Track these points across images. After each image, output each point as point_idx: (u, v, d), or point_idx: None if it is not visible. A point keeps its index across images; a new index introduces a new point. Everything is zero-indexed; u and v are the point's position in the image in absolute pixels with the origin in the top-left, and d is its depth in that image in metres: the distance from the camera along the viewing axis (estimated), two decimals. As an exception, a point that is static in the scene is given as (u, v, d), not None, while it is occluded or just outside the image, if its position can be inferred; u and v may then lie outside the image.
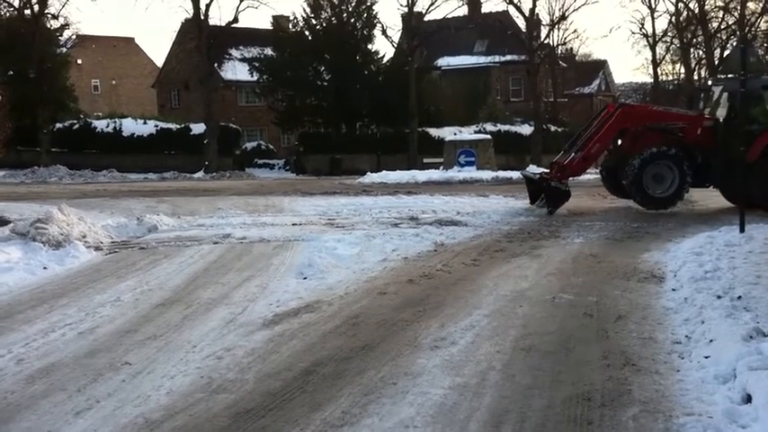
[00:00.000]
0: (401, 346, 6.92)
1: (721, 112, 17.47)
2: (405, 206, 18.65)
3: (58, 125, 40.65)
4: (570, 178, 17.67)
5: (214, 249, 12.28)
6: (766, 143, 16.20)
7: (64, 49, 43.80)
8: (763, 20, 52.77)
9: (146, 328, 7.71)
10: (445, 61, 52.09)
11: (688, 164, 16.93)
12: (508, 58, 51.42)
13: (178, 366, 6.49)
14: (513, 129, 44.38)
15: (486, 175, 29.13)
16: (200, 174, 36.52)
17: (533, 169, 23.00)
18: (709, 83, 20.28)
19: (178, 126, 41.19)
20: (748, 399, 5.30)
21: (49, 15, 40.54)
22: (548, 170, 18.13)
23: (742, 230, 12.29)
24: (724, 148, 16.81)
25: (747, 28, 50.80)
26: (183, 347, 7.03)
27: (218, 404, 5.66)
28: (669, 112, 20.42)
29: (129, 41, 69.59)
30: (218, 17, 61.79)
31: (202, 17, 37.93)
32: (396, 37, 45.49)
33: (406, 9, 41.26)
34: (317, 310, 8.29)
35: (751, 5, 51.72)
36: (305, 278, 9.94)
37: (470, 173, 29.73)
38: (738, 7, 50.89)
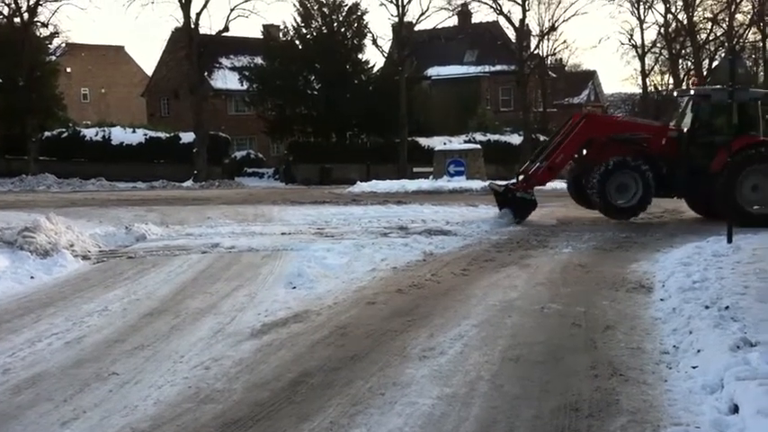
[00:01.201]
0: (390, 357, 6.91)
1: (686, 123, 17.60)
2: (394, 216, 18.65)
3: (47, 133, 40.44)
4: (536, 187, 17.77)
5: (203, 259, 12.25)
6: (729, 154, 16.32)
7: (53, 58, 43.59)
8: (750, 31, 53.26)
9: (133, 338, 7.68)
10: (435, 71, 52.19)
11: (652, 174, 17.01)
12: (498, 68, 51.57)
13: (166, 376, 6.46)
14: (503, 138, 44.45)
15: (476, 184, 29.13)
16: (189, 183, 36.41)
17: (500, 181, 23.22)
18: (675, 94, 20.47)
19: (167, 135, 41.06)
20: (735, 409, 5.31)
21: (39, 23, 40.41)
22: (514, 181, 18.23)
23: (729, 241, 12.35)
24: (688, 159, 16.94)
25: (735, 39, 51.16)
26: (170, 357, 7.00)
27: (206, 414, 5.63)
28: (633, 122, 20.59)
29: (119, 50, 69.43)
30: (208, 26, 61.74)
31: (193, 26, 37.88)
32: (386, 47, 45.62)
33: (396, 19, 41.36)
34: (305, 320, 8.27)
35: (739, 17, 52.19)
36: (294, 288, 9.92)
37: (460, 182, 29.73)
38: (727, 19, 51.30)
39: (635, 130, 18.38)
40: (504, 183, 19.27)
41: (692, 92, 18.55)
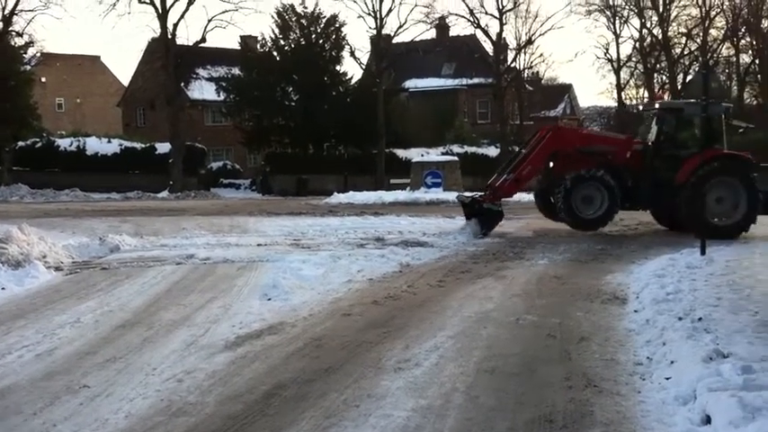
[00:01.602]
0: (365, 368, 6.88)
1: (651, 136, 17.80)
2: (371, 227, 18.63)
3: (21, 143, 40.05)
4: (513, 199, 17.92)
5: (177, 270, 12.14)
6: (694, 167, 16.54)
7: (28, 67, 43.18)
8: (724, 46, 54.09)
9: (105, 350, 7.58)
10: (413, 83, 52.41)
11: (617, 186, 17.18)
12: (475, 81, 51.83)
13: (137, 389, 6.38)
14: (480, 151, 44.68)
15: (453, 196, 29.13)
16: (164, 193, 36.19)
17: (468, 193, 23.39)
18: (641, 108, 20.84)
19: (143, 145, 40.81)
20: (708, 420, 5.34)
21: (14, 33, 40.11)
22: (482, 193, 18.35)
23: (703, 253, 12.46)
24: (652, 171, 17.13)
25: (709, 54, 51.90)
26: (143, 370, 6.92)
27: (178, 427, 5.57)
28: (599, 135, 20.86)
29: (95, 60, 68.98)
30: (185, 36, 61.33)
31: (170, 36, 37.78)
32: (364, 59, 45.75)
33: (374, 31, 41.54)
34: (280, 332, 8.22)
35: (713, 32, 53.01)
36: (269, 299, 9.86)
37: (437, 194, 29.79)
38: (701, 34, 52.07)
39: (601, 142, 18.64)
40: (471, 195, 19.46)
41: (656, 105, 18.83)
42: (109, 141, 40.95)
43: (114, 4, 37.11)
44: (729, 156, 16.84)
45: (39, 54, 43.70)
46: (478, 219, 17.18)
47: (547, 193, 18.30)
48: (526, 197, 22.26)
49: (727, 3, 52.36)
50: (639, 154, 17.56)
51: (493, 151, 44.81)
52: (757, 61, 55.55)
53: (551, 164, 17.98)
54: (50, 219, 20.66)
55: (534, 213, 19.93)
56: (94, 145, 40.25)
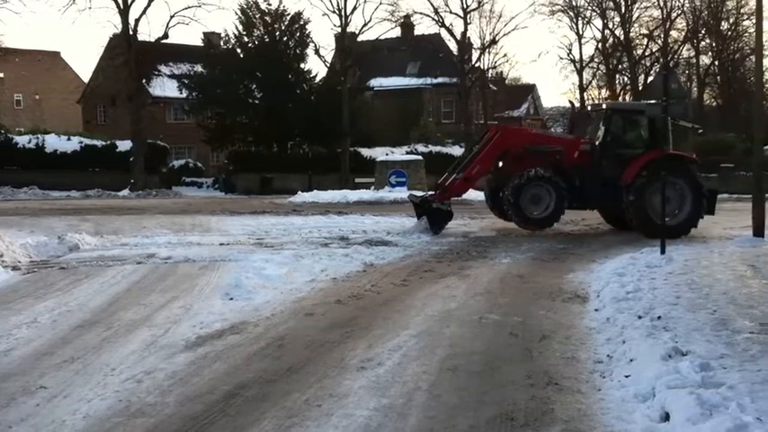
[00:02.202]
0: (327, 368, 6.85)
1: (598, 136, 18.05)
2: (335, 226, 18.60)
3: (-23, 140, 39.26)
4: (452, 198, 18.00)
5: (137, 269, 11.99)
6: (640, 167, 16.78)
7: (-15, 62, 42.47)
8: (684, 48, 54.91)
9: (63, 351, 7.45)
10: (378, 82, 52.37)
11: (565, 186, 17.36)
12: (440, 80, 52.02)
13: (96, 390, 6.29)
14: (445, 150, 44.75)
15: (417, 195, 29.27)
16: (125, 192, 35.70)
17: (418, 192, 23.54)
18: (589, 108, 21.12)
19: (104, 143, 40.18)
20: (667, 417, 5.41)
21: (-30, 27, 39.33)
22: (433, 192, 18.47)
23: (663, 252, 12.65)
24: (600, 171, 17.35)
25: (670, 55, 52.67)
26: (101, 370, 6.81)
27: (137, 428, 5.49)
28: (548, 135, 21.10)
29: (55, 56, 67.87)
30: (147, 33, 60.90)
31: (131, 32, 37.23)
32: (329, 57, 45.60)
33: (339, 29, 41.37)
34: (242, 332, 8.15)
35: (674, 34, 53.79)
36: (231, 299, 9.78)
37: (401, 193, 29.79)
38: (662, 35, 52.78)
39: (548, 142, 18.87)
40: (421, 194, 19.54)
41: (603, 106, 19.08)
42: (69, 139, 40.24)
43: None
44: (675, 156, 17.06)
45: (-3, 49, 42.91)
46: (428, 218, 17.27)
47: (497, 193, 18.43)
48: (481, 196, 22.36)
49: (687, 5, 53.24)
50: (587, 154, 17.74)
51: (457, 151, 44.84)
52: (717, 63, 56.54)
53: (500, 164, 18.13)
54: (8, 217, 20.28)
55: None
56: (54, 142, 39.53)
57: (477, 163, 17.93)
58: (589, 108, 20.60)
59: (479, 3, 45.83)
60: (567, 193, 17.33)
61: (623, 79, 55.17)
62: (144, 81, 42.98)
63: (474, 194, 24.05)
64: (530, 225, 17.50)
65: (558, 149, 18.06)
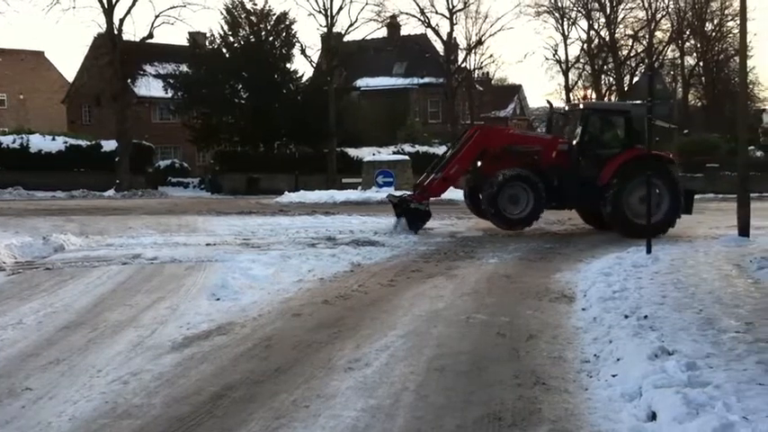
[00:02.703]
0: (315, 369, 6.83)
1: (575, 136, 18.13)
2: (322, 226, 18.58)
3: (-39, 140, 38.94)
4: (431, 198, 18.03)
5: (123, 270, 11.93)
6: (617, 167, 16.86)
7: (-32, 62, 42.11)
8: (669, 48, 55.25)
9: (49, 352, 7.40)
10: (364, 82, 52.38)
11: (543, 186, 17.38)
12: (426, 80, 52.06)
13: (82, 391, 6.24)
14: (432, 150, 44.67)
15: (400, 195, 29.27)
16: (110, 192, 35.51)
17: (397, 192, 23.62)
18: (566, 108, 21.16)
19: (89, 143, 39.96)
20: (653, 416, 5.43)
21: (-47, 26, 38.99)
22: (411, 192, 18.50)
23: (649, 252, 12.71)
24: (577, 171, 17.42)
25: (655, 56, 52.97)
26: (87, 372, 6.77)
27: (123, 430, 5.46)
28: (526, 135, 21.16)
29: (39, 55, 67.33)
30: (132, 32, 60.40)
31: (116, 32, 37.05)
32: (315, 57, 45.50)
33: (325, 29, 41.31)
34: (229, 333, 8.12)
35: (659, 35, 54.11)
36: (218, 299, 9.73)
37: (388, 193, 29.84)
38: (647, 36, 53.07)
39: (526, 142, 18.86)
40: (400, 194, 19.58)
41: (581, 106, 19.17)
42: (53, 139, 39.99)
43: (58, -1, 36.25)
44: (652, 156, 17.13)
45: (-21, 48, 42.57)
46: (406, 218, 17.30)
47: (476, 193, 18.45)
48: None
49: (672, 6, 53.58)
50: (565, 154, 17.79)
51: (444, 150, 45.01)
52: (701, 64, 56.90)
53: (479, 163, 18.16)
54: (-8, 218, 20.13)
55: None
56: (38, 142, 39.27)
57: (456, 162, 17.97)
58: (566, 108, 20.61)
59: (465, 3, 45.97)
60: (546, 192, 17.35)
61: (609, 80, 55.46)
62: (129, 81, 42.73)
63: (461, 195, 24.08)
64: (507, 225, 17.48)
65: (536, 149, 18.09)
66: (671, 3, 53.21)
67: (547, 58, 56.55)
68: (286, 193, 30.51)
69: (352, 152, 41.23)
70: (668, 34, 54.18)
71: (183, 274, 11.47)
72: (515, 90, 72.56)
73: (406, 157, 35.07)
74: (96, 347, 7.57)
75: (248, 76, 40.75)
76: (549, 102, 22.21)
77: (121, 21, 36.95)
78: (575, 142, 17.86)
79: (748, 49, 16.42)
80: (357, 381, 6.47)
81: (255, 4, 41.62)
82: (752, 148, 33.08)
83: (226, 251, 13.77)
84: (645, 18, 52.73)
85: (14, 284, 10.92)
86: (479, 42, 48.02)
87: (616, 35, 52.98)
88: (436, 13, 47.76)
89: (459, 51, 48.77)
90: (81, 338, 7.91)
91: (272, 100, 40.42)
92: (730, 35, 53.98)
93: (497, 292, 10.45)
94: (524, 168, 17.46)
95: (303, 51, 42.48)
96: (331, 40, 41.56)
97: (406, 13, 45.40)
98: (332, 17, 40.42)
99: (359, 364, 6.93)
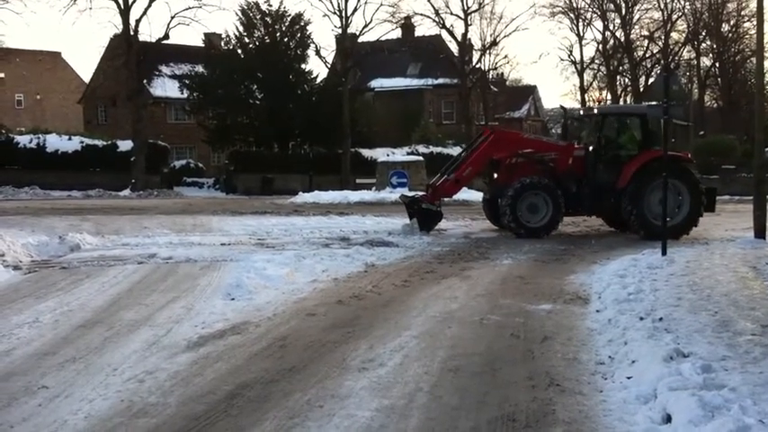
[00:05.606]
0: (329, 368, 6.85)
1: (591, 141, 18.04)
2: (336, 226, 18.60)
3: (-22, 140, 39.24)
4: (443, 199, 18.05)
5: (138, 269, 11.99)
6: (635, 169, 16.74)
7: (-14, 62, 42.46)
8: (685, 49, 54.93)
9: (65, 351, 7.45)
10: (379, 83, 52.39)
11: (561, 193, 17.21)
12: (441, 81, 52.04)
13: (97, 390, 6.28)
14: (446, 151, 44.66)
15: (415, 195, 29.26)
16: (126, 192, 35.70)
17: (410, 192, 23.61)
18: (581, 112, 21.02)
19: (105, 143, 40.19)
20: (668, 419, 5.40)
21: (-28, 27, 39.35)
22: (423, 193, 18.49)
23: (664, 253, 12.64)
24: (595, 177, 17.33)
25: (671, 57, 52.68)
26: (103, 370, 6.81)
27: (139, 429, 5.49)
28: (539, 140, 20.96)
29: (56, 56, 67.92)
30: (148, 33, 61.05)
31: (132, 33, 37.26)
32: (329, 57, 45.59)
33: (340, 30, 41.39)
34: (243, 332, 8.15)
35: (674, 35, 53.83)
36: (232, 299, 9.77)
37: (401, 194, 29.84)
38: (662, 37, 52.80)
39: (541, 148, 18.51)
40: (412, 194, 19.53)
41: (596, 111, 19.03)
42: (69, 139, 40.25)
43: (75, 0, 36.50)
44: (669, 157, 17.03)
45: (-2, 49, 42.91)
46: (417, 218, 17.28)
47: (494, 202, 18.34)
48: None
49: (688, 6, 53.28)
50: (581, 160, 17.67)
51: (458, 151, 44.93)
52: (717, 64, 56.54)
53: (495, 174, 18.01)
54: (9, 217, 20.27)
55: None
56: (55, 142, 39.54)
57: (469, 165, 17.92)
58: (581, 113, 20.46)
59: (480, 4, 45.95)
60: (564, 200, 17.26)
61: (624, 81, 55.26)
62: (145, 81, 43.03)
63: (476, 196, 24.12)
64: (527, 233, 17.32)
65: (551, 156, 17.99)
66: (687, 3, 52.98)
67: (562, 59, 56.48)
68: (300, 193, 30.57)
69: (366, 153, 41.26)
70: (684, 35, 53.93)
71: (198, 274, 11.52)
72: (530, 91, 72.37)
73: (420, 158, 35.06)
74: (112, 346, 7.62)
75: (263, 76, 40.88)
76: (562, 107, 22.05)
77: (137, 22, 37.20)
78: (591, 148, 17.77)
79: (765, 49, 16.28)
80: (371, 381, 6.48)
81: (270, 6, 41.81)
82: (768, 149, 32.74)
83: (240, 251, 13.82)
84: (661, 19, 52.58)
85: (31, 283, 11.01)
86: (494, 43, 48.02)
87: (631, 36, 52.85)
88: (451, 14, 47.89)
89: (474, 52, 48.77)
90: (97, 337, 7.96)
91: (286, 100, 40.54)
92: (747, 36, 53.56)
93: (511, 294, 10.43)
94: (542, 176, 17.36)
95: (318, 52, 42.64)
96: (345, 41, 41.60)
97: (421, 15, 45.57)
98: (346, 18, 40.49)
99: (373, 365, 6.94)
